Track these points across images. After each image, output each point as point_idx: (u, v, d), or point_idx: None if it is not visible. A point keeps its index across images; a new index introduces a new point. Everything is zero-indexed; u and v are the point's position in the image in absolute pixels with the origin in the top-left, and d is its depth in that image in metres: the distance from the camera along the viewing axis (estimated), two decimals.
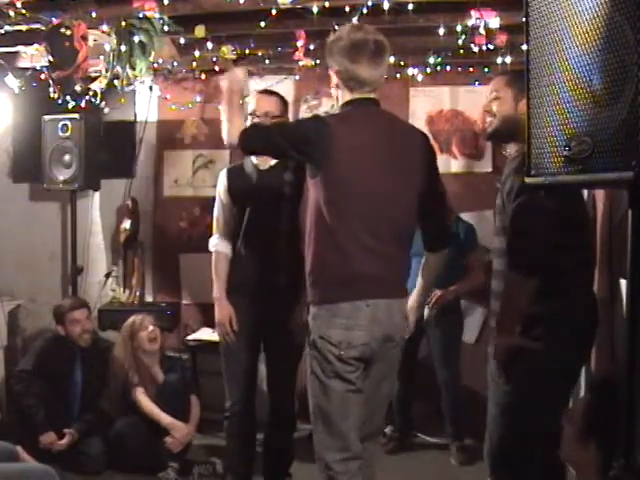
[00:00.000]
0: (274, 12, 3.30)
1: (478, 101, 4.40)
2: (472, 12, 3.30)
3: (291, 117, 4.55)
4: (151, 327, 3.93)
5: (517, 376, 2.39)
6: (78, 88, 3.77)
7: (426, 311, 3.81)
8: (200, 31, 3.62)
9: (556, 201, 2.26)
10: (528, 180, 1.67)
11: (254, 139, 2.37)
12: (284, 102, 3.29)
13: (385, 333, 2.29)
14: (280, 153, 2.44)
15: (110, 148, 4.58)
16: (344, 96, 2.35)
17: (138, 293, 4.63)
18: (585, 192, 2.90)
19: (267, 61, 4.19)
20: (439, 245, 2.48)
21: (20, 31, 3.58)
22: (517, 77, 2.35)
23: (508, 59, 3.69)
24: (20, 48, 3.91)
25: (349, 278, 2.25)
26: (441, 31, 3.42)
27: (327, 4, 3.22)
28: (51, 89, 3.93)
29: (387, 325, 2.29)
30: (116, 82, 3.71)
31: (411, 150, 2.35)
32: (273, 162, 3.13)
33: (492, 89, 2.57)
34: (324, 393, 2.27)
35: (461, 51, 3.75)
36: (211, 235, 3.34)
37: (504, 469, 2.49)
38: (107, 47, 3.51)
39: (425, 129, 4.46)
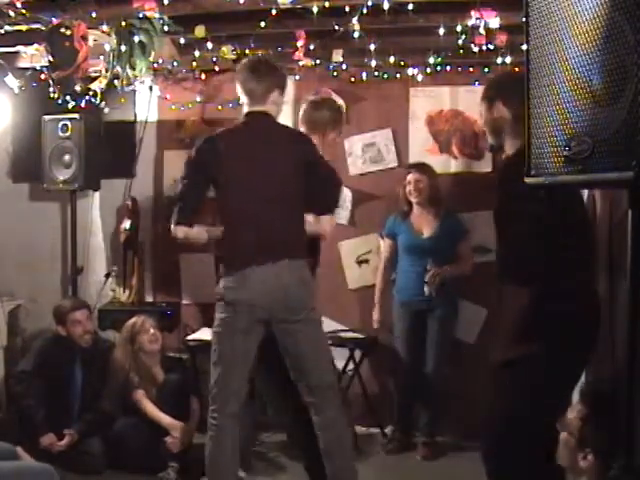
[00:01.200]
0: (274, 12, 3.30)
1: (478, 101, 4.42)
2: (472, 12, 3.30)
3: (291, 117, 4.57)
4: (152, 330, 3.93)
5: (517, 377, 2.39)
6: (78, 88, 3.77)
7: (426, 288, 3.92)
8: (200, 31, 3.62)
9: (551, 204, 2.26)
10: (528, 180, 1.67)
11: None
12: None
13: (270, 292, 2.83)
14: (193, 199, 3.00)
15: (110, 148, 4.58)
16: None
17: (138, 293, 4.62)
18: (585, 192, 2.90)
19: None
20: (323, 210, 3.08)
21: (20, 31, 3.59)
22: (488, 87, 2.61)
23: (508, 59, 3.69)
24: (20, 48, 3.92)
25: (232, 255, 2.91)
26: (441, 31, 3.43)
27: (327, 4, 3.23)
28: (51, 89, 3.93)
29: (270, 285, 2.83)
30: (116, 82, 3.72)
31: (283, 144, 2.98)
32: None
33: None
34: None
35: (461, 51, 3.75)
36: None
37: (500, 470, 2.49)
38: (107, 47, 3.52)
39: (425, 129, 4.47)
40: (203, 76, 4.55)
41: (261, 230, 2.86)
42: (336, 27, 3.46)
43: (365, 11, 3.24)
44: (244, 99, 2.98)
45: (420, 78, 4.20)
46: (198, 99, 4.62)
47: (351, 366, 4.25)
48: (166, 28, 3.48)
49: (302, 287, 2.92)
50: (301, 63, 3.99)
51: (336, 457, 3.00)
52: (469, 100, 4.36)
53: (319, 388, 2.98)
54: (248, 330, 2.89)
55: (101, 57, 3.61)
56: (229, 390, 2.96)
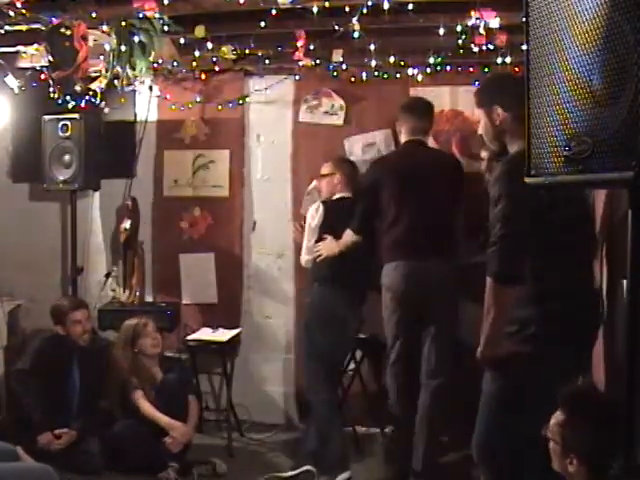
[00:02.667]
0: (274, 12, 3.30)
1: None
2: (472, 12, 3.30)
3: (291, 117, 4.57)
4: (154, 334, 3.93)
5: (507, 375, 2.38)
6: (78, 88, 3.77)
7: None
8: (200, 31, 3.62)
9: (539, 204, 2.25)
10: (528, 180, 1.67)
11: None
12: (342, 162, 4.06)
13: (411, 284, 3.46)
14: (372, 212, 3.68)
15: (110, 148, 4.58)
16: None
17: (138, 293, 4.62)
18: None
19: (267, 61, 4.20)
20: None
21: (20, 31, 3.59)
22: (481, 93, 2.71)
23: (508, 59, 3.69)
24: (20, 48, 3.92)
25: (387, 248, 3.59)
26: (441, 31, 3.42)
27: (327, 4, 3.23)
28: (51, 89, 3.93)
29: (415, 278, 3.46)
30: (116, 82, 3.71)
31: (437, 164, 3.66)
32: None
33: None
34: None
35: (461, 51, 3.75)
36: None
37: (490, 466, 2.48)
38: (107, 47, 3.52)
39: None
40: (203, 76, 4.55)
41: (412, 229, 3.49)
42: (336, 27, 3.46)
43: (365, 11, 3.23)
44: (406, 132, 3.68)
45: (420, 78, 4.20)
46: (198, 99, 4.62)
47: (352, 366, 4.25)
48: (166, 28, 3.48)
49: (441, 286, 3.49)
50: (301, 63, 3.99)
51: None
52: (469, 100, 4.34)
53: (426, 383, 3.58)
54: (400, 305, 3.53)
55: (101, 57, 3.61)
56: None
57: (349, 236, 3.68)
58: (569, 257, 2.37)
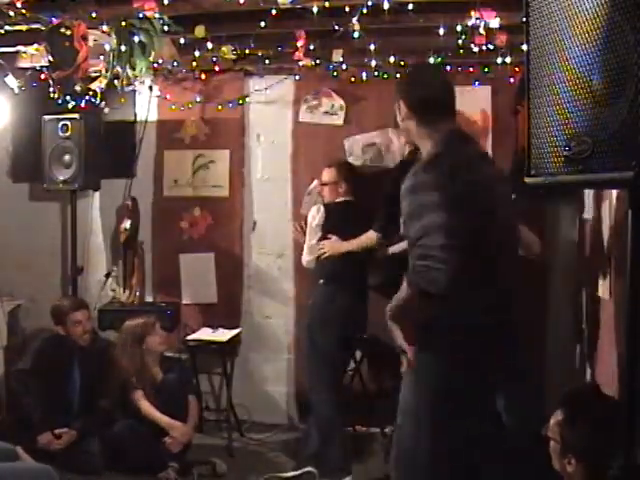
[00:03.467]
0: (274, 12, 3.30)
1: (478, 101, 4.43)
2: (472, 12, 3.30)
3: (291, 117, 4.57)
4: (160, 332, 3.95)
5: (427, 378, 2.33)
6: (78, 88, 3.77)
7: None
8: (200, 31, 3.62)
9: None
10: (528, 180, 1.67)
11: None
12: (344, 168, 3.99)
13: None
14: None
15: (110, 148, 4.58)
16: None
17: (138, 293, 4.62)
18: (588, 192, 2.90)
19: (267, 61, 4.20)
20: None
21: (20, 31, 3.59)
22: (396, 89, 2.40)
23: (508, 59, 3.70)
24: (20, 48, 3.92)
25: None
26: (441, 31, 3.42)
27: (327, 4, 3.23)
28: (51, 89, 3.93)
29: None
30: (116, 82, 3.71)
31: None
32: None
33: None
34: None
35: (461, 51, 3.75)
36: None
37: (405, 469, 2.38)
38: (107, 47, 3.52)
39: None
40: (203, 76, 4.55)
41: None
42: (336, 27, 3.46)
43: (365, 11, 3.23)
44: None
45: None
46: (198, 99, 4.62)
47: (352, 366, 4.25)
48: (166, 28, 3.48)
49: None
50: (301, 63, 3.99)
51: None
52: (469, 100, 4.35)
53: None
54: None
55: (101, 57, 3.61)
56: None
57: (371, 239, 3.61)
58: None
